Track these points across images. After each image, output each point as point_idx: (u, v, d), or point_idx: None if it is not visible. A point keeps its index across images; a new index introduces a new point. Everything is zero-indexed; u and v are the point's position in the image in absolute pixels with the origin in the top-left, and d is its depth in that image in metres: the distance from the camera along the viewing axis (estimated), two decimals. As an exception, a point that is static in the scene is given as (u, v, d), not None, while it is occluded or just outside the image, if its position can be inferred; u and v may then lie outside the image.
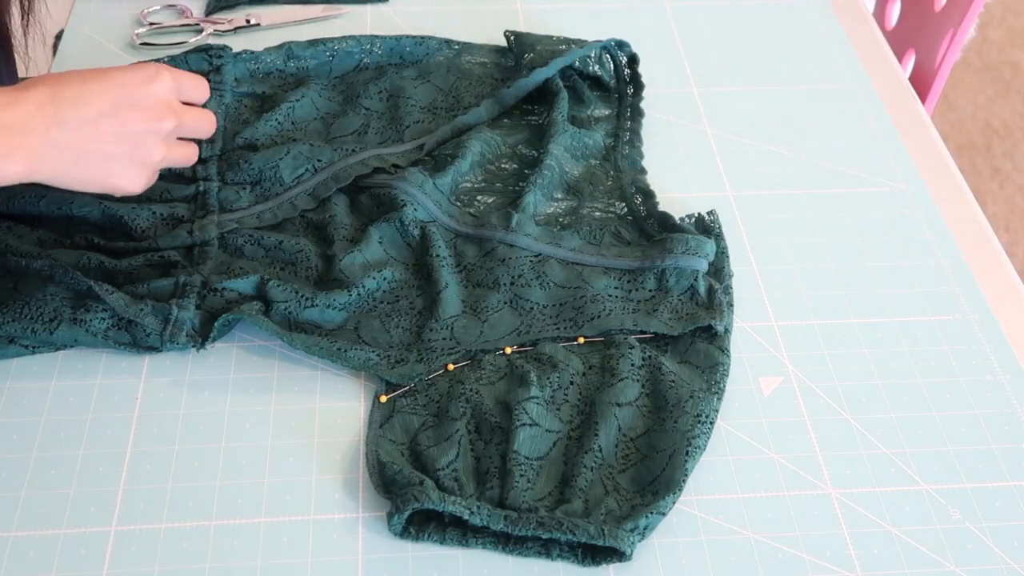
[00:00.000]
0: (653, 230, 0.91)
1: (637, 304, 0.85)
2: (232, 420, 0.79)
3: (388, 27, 1.13)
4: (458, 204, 0.93)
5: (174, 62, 1.03)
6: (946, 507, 0.76)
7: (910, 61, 1.25)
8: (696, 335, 0.84)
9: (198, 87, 0.82)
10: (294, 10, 1.16)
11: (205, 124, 0.82)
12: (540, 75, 1.03)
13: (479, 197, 0.95)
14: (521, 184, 0.96)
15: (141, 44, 1.10)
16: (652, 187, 0.97)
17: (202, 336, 0.83)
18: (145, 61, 0.81)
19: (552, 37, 1.08)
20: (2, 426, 0.78)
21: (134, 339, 0.82)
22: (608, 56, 1.07)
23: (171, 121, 0.75)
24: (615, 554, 0.71)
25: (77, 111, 0.72)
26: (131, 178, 0.76)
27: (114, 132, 0.73)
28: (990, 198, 2.18)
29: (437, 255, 0.87)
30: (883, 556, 0.73)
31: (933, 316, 0.89)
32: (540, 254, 0.89)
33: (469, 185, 0.96)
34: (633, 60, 1.07)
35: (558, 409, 0.79)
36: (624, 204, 0.95)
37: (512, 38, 1.08)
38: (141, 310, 0.81)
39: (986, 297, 0.90)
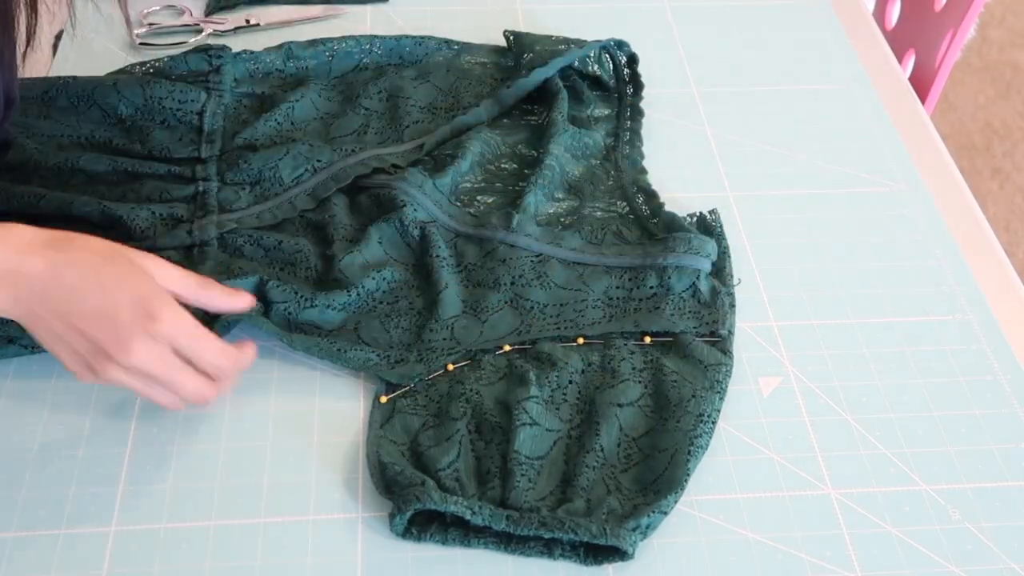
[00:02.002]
0: (656, 229, 0.91)
1: (639, 303, 0.85)
2: (232, 420, 0.79)
3: (388, 27, 1.13)
4: (458, 204, 0.93)
5: (174, 62, 1.03)
6: (946, 507, 0.76)
7: (910, 61, 1.25)
8: (699, 335, 0.84)
9: (212, 358, 0.73)
10: (294, 10, 1.16)
11: (191, 388, 0.73)
12: (540, 75, 1.03)
13: (479, 197, 0.95)
14: (521, 184, 0.96)
15: (141, 44, 1.10)
16: (653, 187, 0.97)
17: None
18: (163, 314, 0.71)
19: (552, 37, 1.08)
20: (2, 426, 0.78)
21: None
22: (608, 56, 1.07)
23: (136, 360, 0.70)
24: (617, 553, 0.71)
25: (61, 301, 0.69)
26: (81, 372, 0.72)
27: (80, 334, 0.70)
28: (990, 198, 2.18)
29: (437, 255, 0.87)
30: (883, 556, 0.73)
31: (933, 316, 0.89)
32: (541, 254, 0.89)
33: (469, 185, 0.96)
34: (633, 60, 1.07)
35: (558, 408, 0.79)
36: (626, 203, 0.95)
37: (512, 38, 1.08)
38: None
39: (986, 297, 0.90)
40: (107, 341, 0.70)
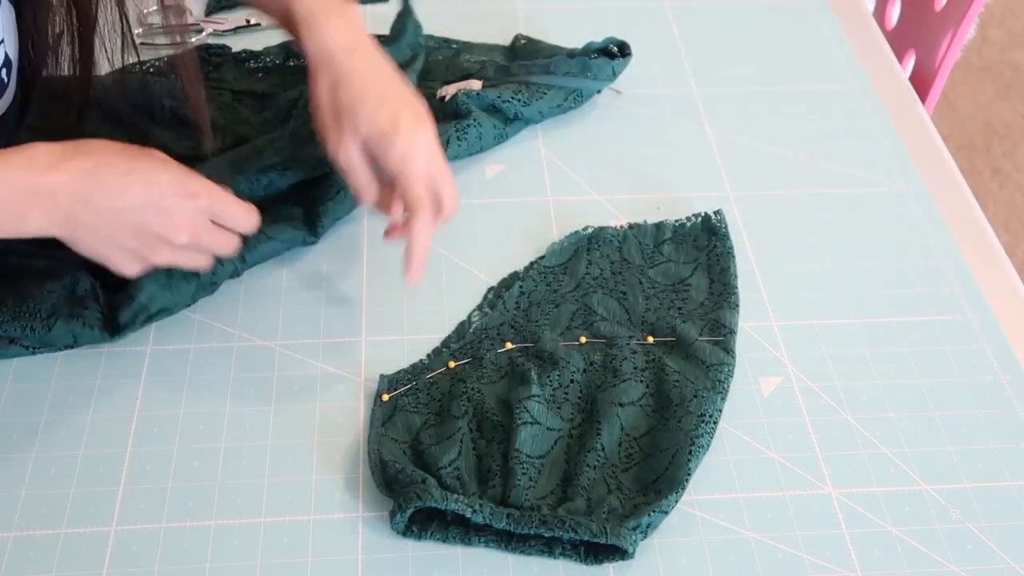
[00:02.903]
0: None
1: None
2: (232, 420, 0.79)
3: (388, 27, 1.13)
4: None
5: (174, 62, 1.03)
6: (946, 507, 0.76)
7: (910, 61, 1.25)
8: (701, 334, 0.84)
9: (238, 217, 0.80)
10: (294, 10, 1.15)
11: (224, 244, 0.80)
12: (544, 79, 1.04)
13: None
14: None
15: (141, 44, 1.10)
16: (653, 187, 0.98)
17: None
18: (195, 174, 0.78)
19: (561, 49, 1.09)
20: (2, 426, 0.78)
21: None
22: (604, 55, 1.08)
23: (185, 236, 0.76)
24: (618, 552, 0.71)
25: (107, 199, 0.74)
26: (128, 266, 0.77)
27: (131, 227, 0.75)
28: (990, 198, 2.18)
29: None
30: (883, 556, 0.73)
31: (933, 316, 0.89)
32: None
33: None
34: (623, 49, 1.07)
35: (559, 408, 0.79)
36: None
37: (523, 42, 1.10)
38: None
39: (986, 297, 0.90)
40: (158, 225, 0.75)
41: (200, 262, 0.80)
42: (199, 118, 0.86)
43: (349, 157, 0.81)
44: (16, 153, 0.72)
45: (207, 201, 0.77)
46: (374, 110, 0.80)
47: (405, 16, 1.08)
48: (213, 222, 0.78)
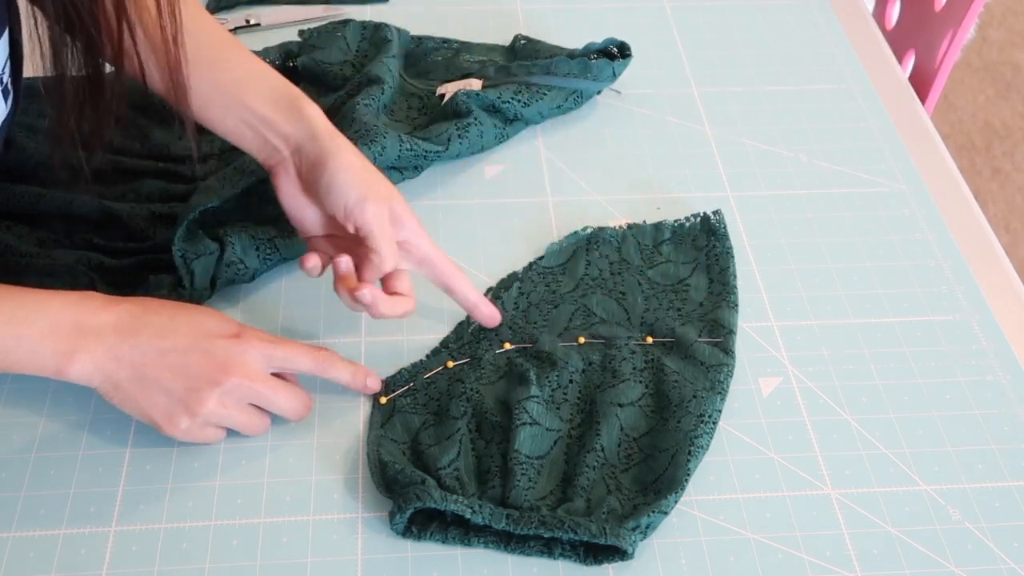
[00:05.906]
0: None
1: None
2: (232, 420, 0.79)
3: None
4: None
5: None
6: (946, 507, 0.76)
7: (910, 61, 1.25)
8: (700, 335, 0.84)
9: (295, 359, 0.77)
10: (294, 10, 1.16)
11: (289, 404, 0.77)
12: (545, 79, 1.03)
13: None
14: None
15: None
16: (652, 187, 0.98)
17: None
18: (249, 331, 0.77)
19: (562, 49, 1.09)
20: (2, 426, 0.78)
21: None
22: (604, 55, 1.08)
23: (235, 380, 0.74)
24: (617, 553, 0.71)
25: (153, 339, 0.73)
26: (173, 420, 0.74)
27: (176, 367, 0.73)
28: (990, 198, 2.18)
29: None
30: (883, 556, 0.73)
31: (933, 316, 0.89)
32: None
33: None
34: (624, 49, 1.07)
35: (558, 408, 0.79)
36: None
37: (524, 43, 1.09)
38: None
39: (986, 297, 0.90)
40: (204, 365, 0.74)
41: (258, 427, 0.77)
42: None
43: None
44: (69, 293, 0.74)
45: (258, 349, 0.75)
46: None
47: (383, 29, 1.07)
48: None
